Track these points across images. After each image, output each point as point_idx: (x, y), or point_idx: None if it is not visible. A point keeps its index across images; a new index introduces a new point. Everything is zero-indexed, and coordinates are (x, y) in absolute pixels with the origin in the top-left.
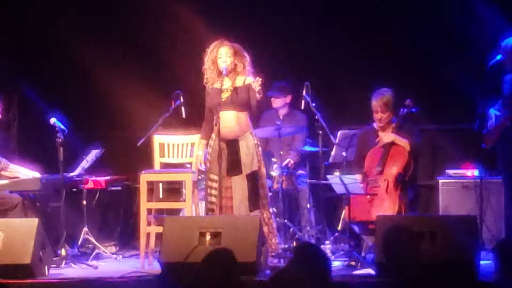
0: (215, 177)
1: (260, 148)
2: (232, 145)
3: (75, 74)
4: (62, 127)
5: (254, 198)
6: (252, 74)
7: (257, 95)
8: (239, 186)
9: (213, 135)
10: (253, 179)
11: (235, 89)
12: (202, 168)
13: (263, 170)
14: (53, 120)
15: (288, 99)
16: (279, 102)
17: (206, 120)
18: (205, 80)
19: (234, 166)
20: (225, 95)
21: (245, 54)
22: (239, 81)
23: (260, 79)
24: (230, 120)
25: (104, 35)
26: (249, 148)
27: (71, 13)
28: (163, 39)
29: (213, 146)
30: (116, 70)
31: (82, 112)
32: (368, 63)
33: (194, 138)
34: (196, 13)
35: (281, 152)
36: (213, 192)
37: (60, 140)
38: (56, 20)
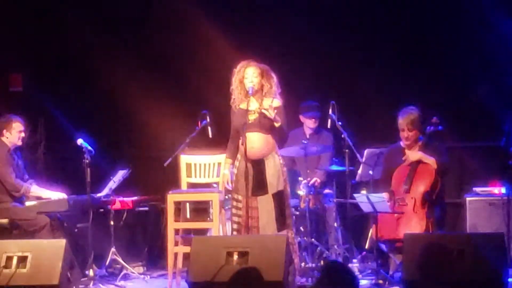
0: (240, 197)
1: (285, 168)
2: (258, 165)
3: (101, 95)
4: (89, 148)
5: (281, 218)
6: (279, 95)
7: (276, 121)
8: (265, 206)
9: (239, 156)
10: (279, 198)
11: (263, 113)
12: (229, 187)
13: (288, 190)
14: (80, 141)
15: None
16: (314, 124)
17: (232, 139)
18: (232, 100)
19: (260, 186)
20: (252, 117)
21: (272, 74)
22: (266, 103)
23: (279, 103)
24: (256, 141)
25: (131, 55)
26: (275, 168)
27: (98, 34)
28: (191, 60)
29: (238, 166)
30: (143, 90)
31: (109, 133)
32: (395, 82)
33: (220, 158)
34: (224, 34)
35: (308, 171)
36: (239, 212)
37: (87, 161)
38: (84, 41)
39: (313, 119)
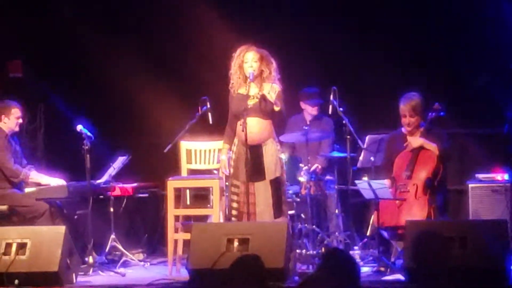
0: (238, 183)
1: (282, 155)
2: (255, 150)
3: (101, 81)
4: (89, 134)
5: (278, 205)
6: (278, 81)
7: (276, 105)
8: (262, 192)
9: (236, 140)
10: (277, 185)
11: (263, 97)
12: (226, 172)
13: (285, 176)
14: (79, 127)
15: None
16: (316, 111)
17: (230, 125)
18: (230, 85)
19: (257, 172)
20: (251, 102)
21: (272, 59)
22: (266, 88)
23: (278, 88)
24: (255, 126)
25: (131, 42)
26: (272, 154)
27: (98, 20)
28: (190, 46)
29: (236, 151)
30: (142, 76)
31: (109, 119)
32: (396, 67)
33: (221, 144)
34: (222, 19)
35: (309, 158)
36: (235, 198)
37: (87, 147)
38: (84, 27)
39: (316, 107)
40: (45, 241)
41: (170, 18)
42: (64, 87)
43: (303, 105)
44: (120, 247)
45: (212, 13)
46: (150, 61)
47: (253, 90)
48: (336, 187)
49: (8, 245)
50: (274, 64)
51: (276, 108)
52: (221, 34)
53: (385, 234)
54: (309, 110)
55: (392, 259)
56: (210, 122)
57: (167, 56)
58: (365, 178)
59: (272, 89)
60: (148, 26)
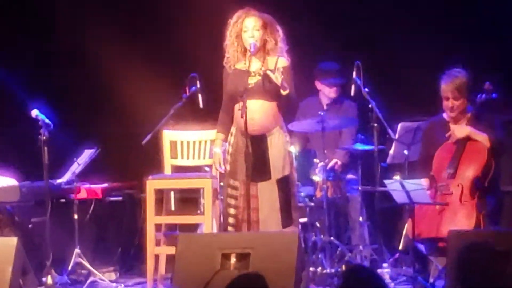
0: (236, 183)
1: (292, 147)
2: (258, 142)
3: (63, 53)
4: (47, 121)
5: (287, 210)
6: (285, 53)
7: (283, 88)
8: (267, 195)
9: (233, 129)
10: (285, 186)
11: (266, 75)
12: (221, 169)
13: (295, 175)
14: (35, 113)
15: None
16: (335, 92)
17: (224, 109)
18: (225, 60)
19: (261, 170)
20: (252, 80)
21: (277, 27)
22: (271, 63)
23: (286, 63)
24: (257, 111)
25: (102, 7)
26: (279, 147)
27: None
28: (175, 7)
29: (233, 143)
30: (115, 48)
31: (72, 102)
32: (437, 37)
33: (214, 134)
34: None
35: (326, 151)
36: (233, 202)
37: (45, 137)
38: None
39: (334, 88)
40: None
41: None
42: (17, 60)
43: (318, 85)
44: (86, 264)
45: None
46: (126, 27)
47: (255, 65)
48: (360, 188)
49: None
50: (280, 33)
51: (284, 92)
52: None
53: (421, 247)
54: (326, 92)
55: (431, 280)
56: (201, 105)
57: (147, 20)
58: (397, 177)
59: (279, 65)
60: None
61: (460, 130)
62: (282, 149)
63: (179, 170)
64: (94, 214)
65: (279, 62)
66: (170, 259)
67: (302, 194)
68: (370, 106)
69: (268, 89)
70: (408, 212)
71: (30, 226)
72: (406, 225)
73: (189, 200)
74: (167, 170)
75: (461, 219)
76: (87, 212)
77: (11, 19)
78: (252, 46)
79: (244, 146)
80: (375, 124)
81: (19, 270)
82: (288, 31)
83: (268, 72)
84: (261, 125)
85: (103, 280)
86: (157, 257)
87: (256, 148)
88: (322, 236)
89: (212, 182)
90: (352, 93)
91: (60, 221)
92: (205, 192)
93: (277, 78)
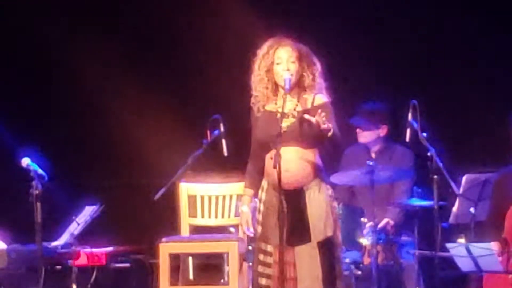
0: (269, 248)
1: (336, 203)
2: (294, 198)
3: (61, 91)
4: (40, 171)
5: (331, 279)
6: (325, 91)
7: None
8: (306, 261)
9: (264, 183)
10: (328, 249)
11: (302, 117)
12: (250, 233)
13: (339, 236)
14: (26, 162)
15: (383, 130)
16: (369, 136)
17: (253, 158)
18: (253, 99)
19: (298, 231)
20: (286, 123)
21: (315, 59)
22: (307, 102)
23: (324, 99)
24: (292, 161)
25: (107, 35)
26: (320, 203)
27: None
28: (196, 40)
29: (265, 200)
30: (124, 84)
31: (72, 149)
32: (505, 72)
33: (241, 188)
34: (242, 2)
35: (375, 209)
36: (265, 270)
37: (37, 191)
38: (41, 16)
39: (357, 129)
40: None
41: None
42: (7, 100)
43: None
44: None
45: None
46: (137, 63)
47: (290, 105)
48: (416, 253)
49: None
50: (318, 66)
51: (329, 134)
52: (242, 24)
53: None
54: (362, 138)
55: None
56: (225, 153)
57: (163, 55)
58: (462, 240)
59: (316, 103)
60: (136, 13)
61: None
62: (323, 206)
63: (198, 231)
64: (96, 284)
65: (316, 99)
66: None
67: (347, 260)
68: (429, 154)
69: (306, 133)
70: (475, 283)
71: None
72: None
73: (210, 267)
74: (185, 231)
75: None
76: (88, 281)
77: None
78: (287, 82)
79: (278, 203)
80: (435, 176)
81: None
82: (328, 65)
83: (306, 116)
84: (297, 177)
85: None
86: None
87: (292, 206)
88: None
89: (238, 246)
90: (408, 139)
91: None
92: (230, 258)
93: (320, 119)
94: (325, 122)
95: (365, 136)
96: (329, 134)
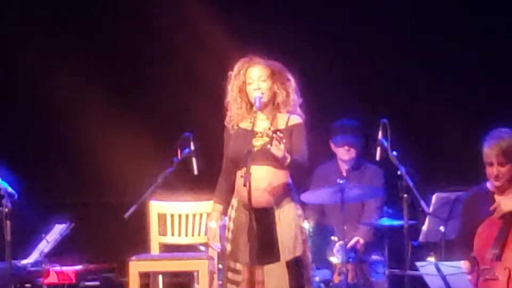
0: (238, 266)
1: (306, 223)
2: (264, 217)
3: (31, 110)
4: (10, 190)
5: None
6: (299, 108)
7: (285, 159)
8: (275, 280)
9: (234, 201)
10: (297, 269)
11: (274, 134)
12: (217, 248)
13: (309, 256)
14: None
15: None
16: (354, 153)
17: (224, 176)
18: (227, 119)
19: (267, 250)
20: (258, 142)
21: (289, 75)
22: (281, 121)
23: (298, 120)
24: (262, 180)
25: (78, 53)
26: (290, 223)
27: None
28: (167, 58)
29: (235, 218)
30: (95, 103)
31: (42, 167)
32: (478, 92)
33: (210, 206)
34: (214, 20)
35: (345, 227)
36: None
37: (7, 209)
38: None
39: (345, 146)
40: None
41: (140, 18)
42: None
43: (332, 146)
44: None
45: (201, 13)
46: (108, 80)
47: (262, 123)
48: (386, 272)
49: None
50: (292, 82)
51: (286, 162)
52: (214, 42)
53: None
54: (339, 154)
55: None
56: (195, 171)
57: (134, 72)
58: (432, 259)
59: (290, 123)
60: (107, 29)
61: (507, 202)
62: (293, 225)
63: (169, 249)
64: None
65: (291, 119)
66: None
67: (317, 278)
68: (399, 173)
69: (272, 154)
70: None
71: None
72: None
73: (180, 285)
74: (155, 249)
75: None
76: None
77: None
78: (258, 100)
79: (248, 222)
80: (405, 195)
81: None
82: (302, 82)
83: (276, 136)
84: (268, 196)
85: None
86: None
87: (261, 224)
88: None
89: (208, 264)
90: (378, 158)
91: None
92: (200, 276)
93: (276, 150)
94: (282, 150)
95: (351, 154)
96: (286, 162)
